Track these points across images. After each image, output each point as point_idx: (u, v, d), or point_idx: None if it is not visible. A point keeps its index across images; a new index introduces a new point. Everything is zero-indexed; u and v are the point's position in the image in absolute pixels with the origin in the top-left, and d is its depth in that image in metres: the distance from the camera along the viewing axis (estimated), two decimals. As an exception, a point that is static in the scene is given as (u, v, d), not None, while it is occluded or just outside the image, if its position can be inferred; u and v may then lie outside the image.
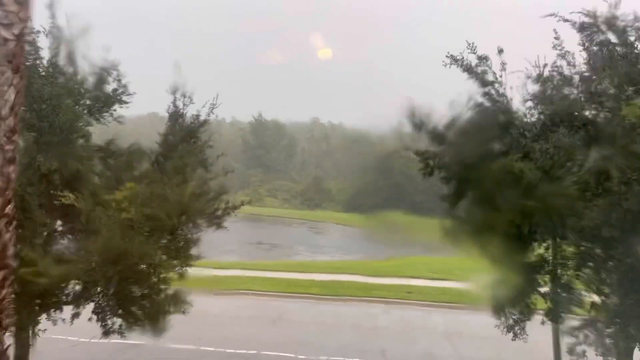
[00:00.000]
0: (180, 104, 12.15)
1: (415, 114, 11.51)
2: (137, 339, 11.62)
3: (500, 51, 10.91)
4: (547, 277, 11.43)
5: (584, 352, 10.81)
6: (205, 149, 12.46)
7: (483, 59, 11.07)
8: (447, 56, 11.12)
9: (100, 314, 11.30)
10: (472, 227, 10.96)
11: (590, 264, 10.50)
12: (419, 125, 11.56)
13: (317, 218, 67.07)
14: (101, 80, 11.55)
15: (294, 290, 24.01)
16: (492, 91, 11.12)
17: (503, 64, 10.99)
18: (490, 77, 11.09)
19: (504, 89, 11.08)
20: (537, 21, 11.27)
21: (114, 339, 11.59)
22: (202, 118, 12.27)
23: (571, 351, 10.86)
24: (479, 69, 11.10)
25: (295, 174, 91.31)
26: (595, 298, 10.93)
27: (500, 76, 11.06)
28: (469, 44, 11.04)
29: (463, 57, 11.08)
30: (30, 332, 10.96)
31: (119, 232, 9.85)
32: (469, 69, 11.12)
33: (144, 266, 10.50)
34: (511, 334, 11.73)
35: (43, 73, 10.75)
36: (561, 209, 9.99)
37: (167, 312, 11.23)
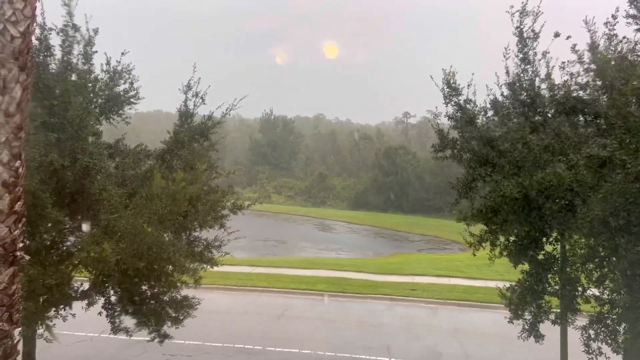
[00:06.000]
0: (191, 103, 12.21)
1: (451, 80, 11.57)
2: (143, 335, 11.68)
3: (557, 35, 10.89)
4: (557, 277, 11.41)
5: (599, 348, 10.74)
6: (212, 150, 12.55)
7: (536, 35, 11.07)
8: (512, 11, 11.15)
9: (110, 309, 11.37)
10: (488, 209, 10.95)
11: (597, 260, 10.46)
12: (453, 90, 11.59)
13: (322, 215, 67.12)
14: (114, 82, 11.64)
15: (300, 286, 24.05)
16: (527, 72, 11.18)
17: (545, 52, 11.02)
18: (531, 57, 11.14)
19: (537, 74, 11.17)
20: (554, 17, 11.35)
21: (120, 336, 11.67)
22: (214, 120, 12.35)
23: (587, 348, 10.78)
24: (527, 44, 11.12)
25: (299, 170, 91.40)
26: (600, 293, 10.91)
27: (539, 60, 11.13)
28: (535, 12, 11.00)
29: (521, 26, 11.11)
30: (43, 326, 11.02)
31: (151, 225, 9.88)
32: (521, 35, 11.13)
33: (167, 264, 10.53)
34: (519, 332, 11.71)
35: (54, 70, 10.79)
36: (572, 190, 10.02)
37: (175, 316, 11.31)
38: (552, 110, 11.19)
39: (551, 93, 11.13)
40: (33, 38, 4.91)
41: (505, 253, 11.47)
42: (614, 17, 10.70)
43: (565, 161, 9.97)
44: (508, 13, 11.21)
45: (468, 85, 11.67)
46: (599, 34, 10.91)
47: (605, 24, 10.82)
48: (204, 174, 11.38)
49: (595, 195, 9.65)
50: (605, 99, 10.65)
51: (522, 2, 11.14)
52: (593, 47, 10.87)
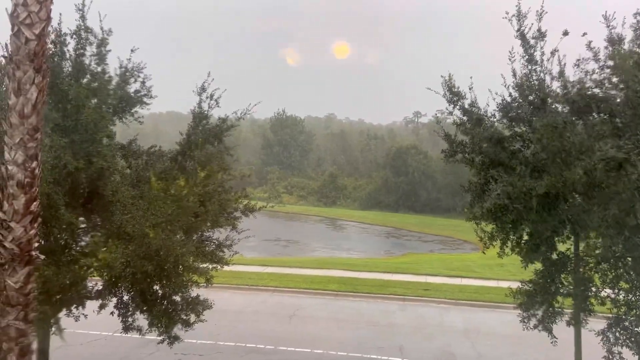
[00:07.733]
0: (205, 105, 12.23)
1: (452, 87, 11.49)
2: (155, 334, 11.75)
3: (566, 33, 10.72)
4: (569, 277, 11.29)
5: (619, 353, 10.60)
6: (226, 154, 12.57)
7: (542, 34, 10.95)
8: (508, 16, 11.04)
9: (122, 309, 11.46)
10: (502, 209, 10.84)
11: (612, 260, 10.33)
12: (455, 97, 11.51)
13: (334, 215, 67.09)
14: (126, 82, 11.70)
15: (311, 286, 24.07)
16: (535, 72, 11.06)
17: (555, 50, 10.91)
18: (537, 58, 11.03)
19: (545, 73, 11.07)
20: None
21: (133, 335, 11.76)
22: (228, 122, 12.35)
23: (609, 354, 10.63)
24: (532, 43, 10.99)
25: (311, 170, 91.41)
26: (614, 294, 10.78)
27: (548, 59, 11.00)
28: (539, 12, 10.88)
29: (522, 26, 11.01)
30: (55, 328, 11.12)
31: (159, 228, 9.93)
32: (523, 37, 11.03)
33: (176, 266, 10.57)
34: (531, 332, 11.62)
35: (67, 73, 10.88)
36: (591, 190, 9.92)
37: (186, 316, 11.36)
38: (566, 110, 11.04)
39: (564, 91, 10.98)
40: (48, 41, 4.95)
41: (516, 250, 11.37)
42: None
43: (582, 165, 9.80)
44: (506, 18, 11.13)
45: (470, 89, 11.59)
46: (618, 29, 10.74)
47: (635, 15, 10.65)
48: (218, 176, 11.41)
49: (608, 194, 9.53)
50: (623, 96, 10.51)
51: (516, 5, 11.04)
52: (612, 42, 10.69)
